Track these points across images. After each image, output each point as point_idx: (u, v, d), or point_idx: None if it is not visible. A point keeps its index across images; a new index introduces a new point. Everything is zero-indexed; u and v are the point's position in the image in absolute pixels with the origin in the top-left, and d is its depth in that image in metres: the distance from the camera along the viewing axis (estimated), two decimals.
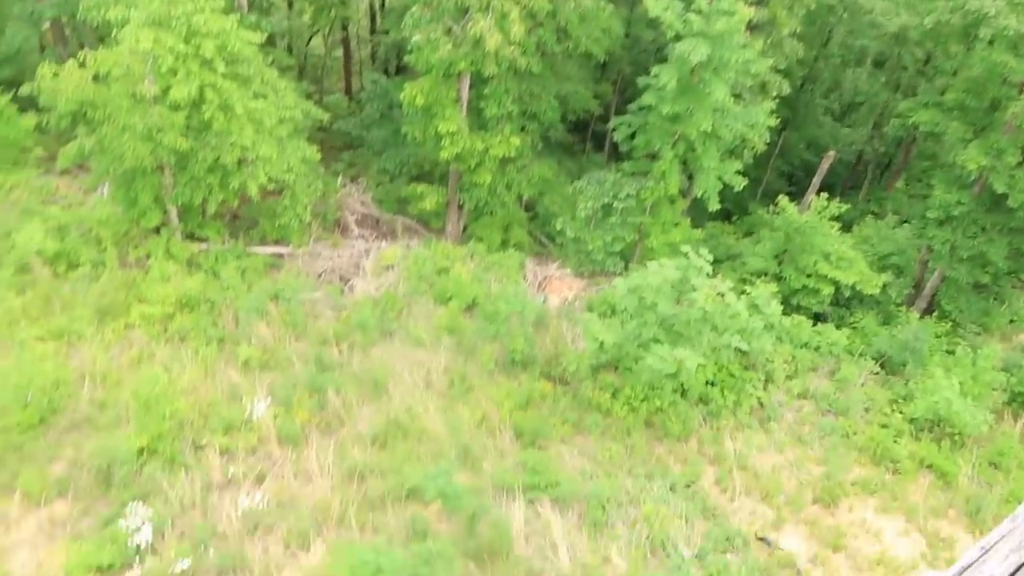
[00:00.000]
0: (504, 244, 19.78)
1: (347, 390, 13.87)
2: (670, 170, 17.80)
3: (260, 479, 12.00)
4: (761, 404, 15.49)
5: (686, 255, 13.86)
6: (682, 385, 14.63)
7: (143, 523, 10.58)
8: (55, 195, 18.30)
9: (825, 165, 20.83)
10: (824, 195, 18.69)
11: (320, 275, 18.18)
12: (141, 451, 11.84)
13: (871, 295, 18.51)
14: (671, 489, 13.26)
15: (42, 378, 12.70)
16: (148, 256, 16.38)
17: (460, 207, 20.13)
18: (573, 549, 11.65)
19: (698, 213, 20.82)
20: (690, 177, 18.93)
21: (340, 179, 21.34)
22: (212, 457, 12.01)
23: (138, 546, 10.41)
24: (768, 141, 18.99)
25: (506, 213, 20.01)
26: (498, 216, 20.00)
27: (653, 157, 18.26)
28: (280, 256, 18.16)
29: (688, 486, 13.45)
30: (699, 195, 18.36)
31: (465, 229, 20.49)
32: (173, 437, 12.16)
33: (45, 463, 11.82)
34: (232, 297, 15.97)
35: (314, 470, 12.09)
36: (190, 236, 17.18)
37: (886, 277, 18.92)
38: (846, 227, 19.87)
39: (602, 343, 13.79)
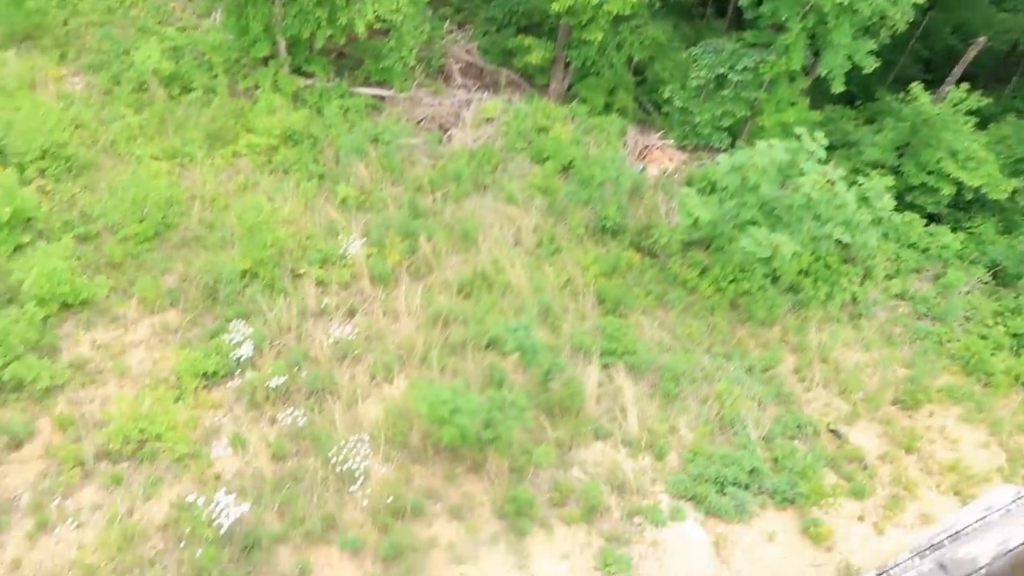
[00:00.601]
0: (608, 108, 19.13)
1: (438, 238, 14.15)
2: (795, 44, 16.54)
3: (351, 312, 12.59)
4: (854, 300, 15.04)
5: (798, 137, 13.12)
6: (774, 271, 14.30)
7: (244, 339, 11.34)
8: (171, 16, 18.53)
9: (971, 53, 18.92)
10: (964, 86, 17.13)
11: (420, 122, 18.14)
12: (244, 273, 12.53)
13: (996, 200, 17.26)
14: (748, 371, 13.28)
15: (157, 194, 13.41)
16: (256, 87, 16.62)
17: (566, 65, 19.41)
18: (643, 415, 11.95)
19: (818, 94, 19.46)
20: (816, 54, 17.56)
21: (447, 25, 20.78)
22: (308, 286, 12.62)
23: (239, 359, 11.22)
24: (910, 21, 17.28)
25: (613, 75, 19.19)
26: (605, 78, 19.22)
27: (779, 28, 16.94)
28: (382, 99, 18.13)
29: (765, 371, 13.43)
30: (823, 74, 17.09)
31: (569, 88, 19.85)
32: (273, 264, 12.78)
33: (159, 274, 12.68)
34: (334, 136, 16.19)
35: (402, 310, 12.58)
36: (297, 70, 17.26)
37: (1017, 183, 17.52)
38: (982, 124, 18.25)
39: (697, 219, 13.47)
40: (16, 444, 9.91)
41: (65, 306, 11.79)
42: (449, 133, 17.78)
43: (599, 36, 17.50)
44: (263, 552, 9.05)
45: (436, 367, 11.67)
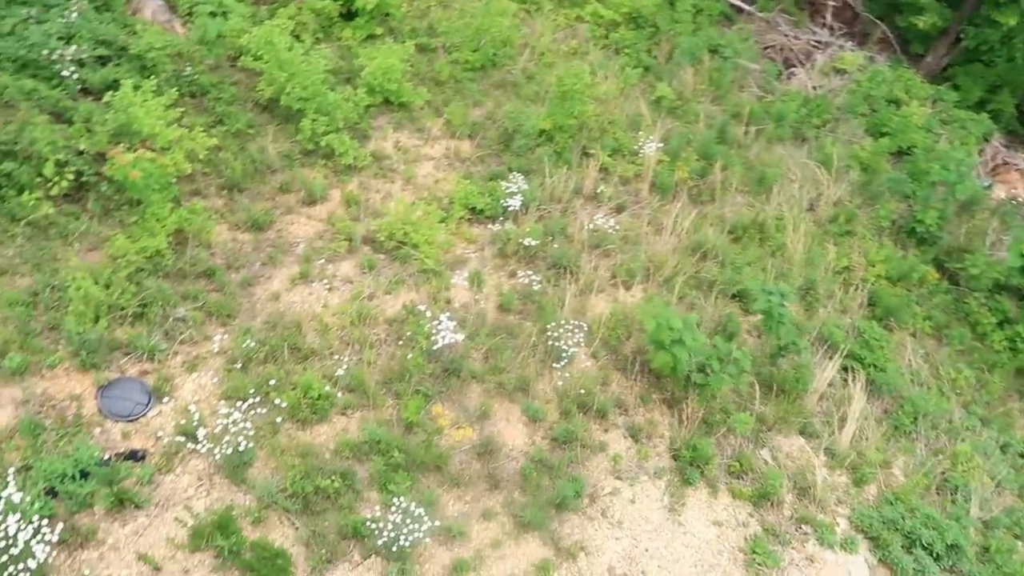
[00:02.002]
0: (981, 105, 16.61)
1: (733, 171, 13.53)
2: None
3: (619, 209, 12.61)
4: None
5: None
6: None
7: (518, 192, 11.83)
8: None
9: None
10: None
11: (766, 48, 17.03)
12: (541, 132, 12.91)
13: None
14: (1001, 448, 11.64)
15: (497, 31, 14.01)
16: None
17: (956, 40, 16.97)
18: (860, 435, 11.02)
19: None
20: None
21: None
22: (591, 168, 12.75)
23: (506, 208, 11.77)
24: None
25: (1007, 71, 16.50)
26: (994, 70, 16.61)
27: None
28: (739, 11, 17.16)
29: (1023, 456, 11.69)
30: None
31: (946, 69, 17.44)
32: (570, 135, 13.01)
33: (470, 105, 13.45)
34: (676, 32, 15.72)
35: (667, 226, 12.37)
36: None
37: None
38: None
39: None
40: (310, 201, 11.34)
41: (386, 102, 12.97)
42: (792, 70, 16.55)
43: (1013, 21, 14.99)
44: (459, 381, 9.77)
45: (676, 293, 11.46)
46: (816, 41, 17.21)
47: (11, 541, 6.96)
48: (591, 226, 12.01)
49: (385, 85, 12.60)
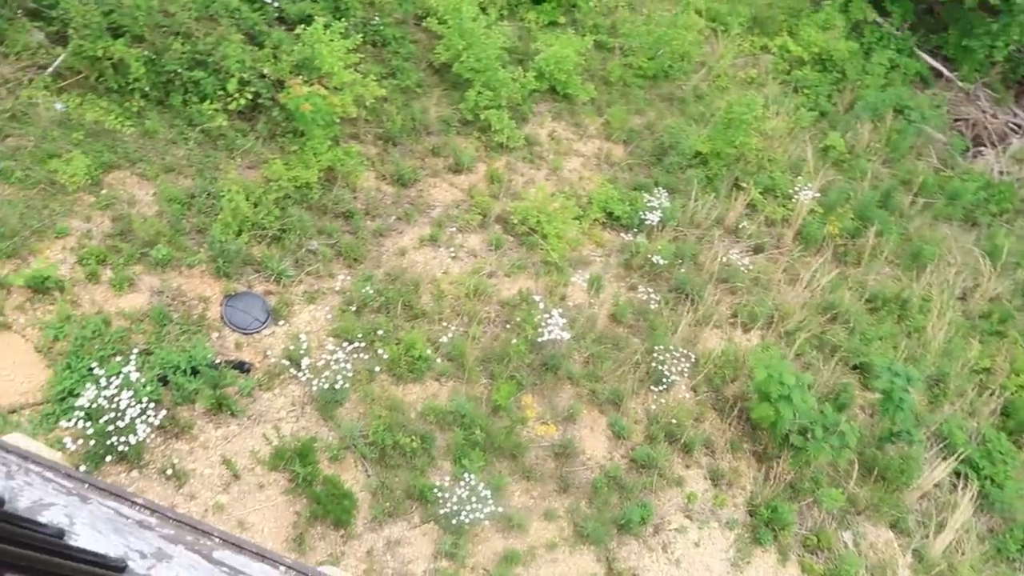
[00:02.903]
0: None
1: (889, 239, 12.77)
2: None
3: (757, 249, 12.20)
4: None
5: None
6: None
7: (658, 208, 11.64)
8: None
9: None
10: None
11: (956, 120, 15.92)
12: (697, 154, 12.63)
13: None
14: None
15: (677, 44, 13.79)
16: None
17: None
18: (958, 544, 10.24)
19: None
20: None
21: None
22: (739, 201, 12.37)
23: (642, 221, 11.61)
24: None
25: None
26: None
27: None
28: (938, 75, 16.11)
29: None
30: None
31: None
32: (725, 163, 12.66)
33: (632, 111, 13.33)
34: (863, 83, 14.97)
35: (801, 278, 11.84)
36: (875, 1, 15.90)
37: None
38: None
39: None
40: (457, 170, 11.58)
41: (552, 91, 13.04)
42: (980, 149, 15.44)
43: None
44: (554, 378, 9.77)
45: (795, 349, 10.99)
46: (1016, 124, 15.95)
47: (120, 414, 7.54)
48: (724, 259, 11.68)
49: (555, 74, 12.66)
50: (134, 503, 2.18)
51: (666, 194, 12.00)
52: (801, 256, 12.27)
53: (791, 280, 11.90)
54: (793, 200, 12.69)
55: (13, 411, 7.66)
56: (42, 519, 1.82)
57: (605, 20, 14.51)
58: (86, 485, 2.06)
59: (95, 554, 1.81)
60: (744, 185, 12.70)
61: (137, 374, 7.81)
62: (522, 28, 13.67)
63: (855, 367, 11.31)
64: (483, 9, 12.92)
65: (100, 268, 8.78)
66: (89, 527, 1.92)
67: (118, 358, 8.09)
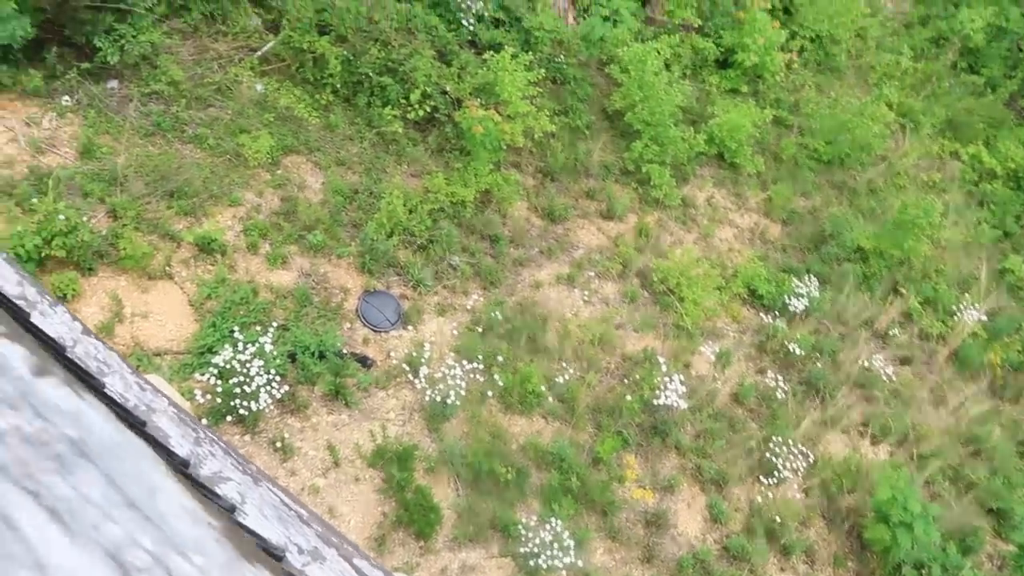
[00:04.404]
0: None
1: None
2: None
3: (904, 361, 11.48)
4: None
5: None
6: None
7: (805, 296, 11.16)
8: None
9: None
10: None
11: None
12: (858, 249, 12.03)
13: None
14: None
15: (860, 133, 13.24)
16: None
17: None
18: None
19: None
20: None
21: None
22: (894, 306, 11.67)
23: (786, 305, 11.17)
24: None
25: None
26: None
27: None
28: None
29: None
30: None
31: None
32: (888, 265, 11.99)
33: (798, 191, 12.90)
34: None
35: (949, 404, 10.98)
36: None
37: None
38: None
39: None
40: (607, 216, 11.60)
41: (719, 156, 12.85)
42: None
43: None
44: (662, 444, 9.50)
45: (926, 476, 10.17)
46: None
47: (248, 379, 7.97)
48: (866, 363, 11.01)
49: (726, 141, 12.48)
50: (294, 500, 2.25)
51: (816, 283, 11.49)
52: (953, 379, 11.39)
53: (936, 401, 11.05)
54: (955, 318, 11.83)
55: (157, 354, 8.27)
56: (218, 491, 1.90)
57: (788, 96, 14.19)
58: (254, 468, 2.15)
59: (260, 536, 1.86)
60: (903, 291, 11.97)
61: (271, 346, 8.24)
62: (702, 90, 13.58)
63: (991, 511, 10.32)
64: (667, 65, 12.93)
65: (260, 241, 9.38)
66: (257, 509, 1.98)
67: (257, 327, 8.58)
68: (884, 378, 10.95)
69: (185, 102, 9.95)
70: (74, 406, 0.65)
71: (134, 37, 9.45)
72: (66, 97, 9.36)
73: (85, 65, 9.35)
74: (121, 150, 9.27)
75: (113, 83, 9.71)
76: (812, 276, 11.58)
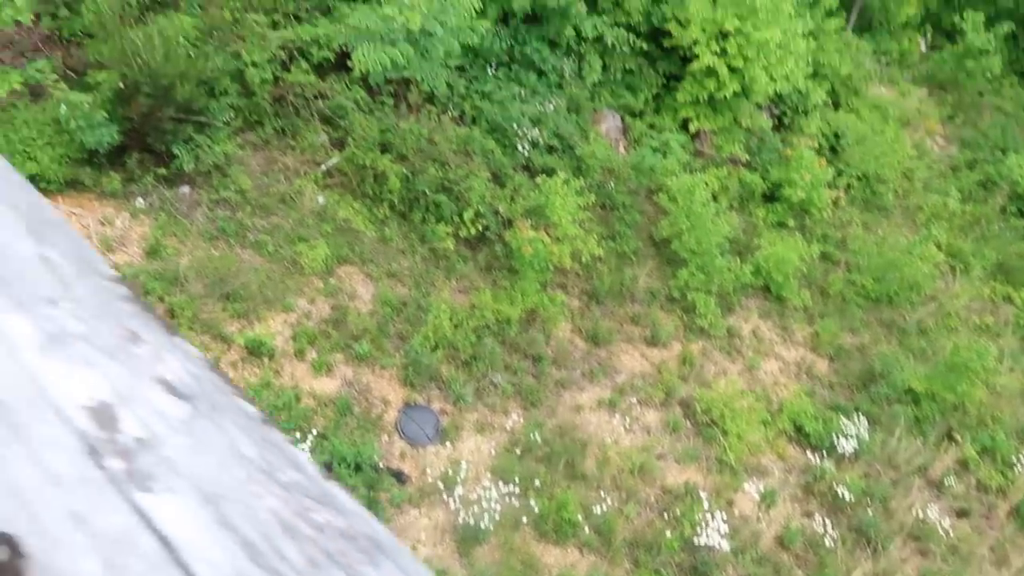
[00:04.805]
0: None
1: None
2: None
3: (961, 513, 10.92)
4: None
5: None
6: None
7: (854, 437, 10.81)
8: None
9: None
10: None
11: None
12: (909, 391, 11.71)
13: None
14: None
15: (909, 272, 13.16)
16: None
17: None
18: None
19: None
20: None
21: None
22: (949, 454, 11.19)
23: (833, 445, 10.82)
24: None
25: None
26: None
27: None
28: None
29: None
30: None
31: None
32: (941, 409, 11.61)
33: (846, 328, 12.73)
34: None
35: (1012, 565, 10.32)
36: None
37: None
38: None
39: None
40: (651, 342, 11.54)
41: (765, 289, 12.82)
42: None
43: None
44: None
45: None
46: None
47: None
48: (920, 513, 10.49)
49: (772, 273, 12.49)
50: None
51: (866, 424, 11.14)
52: (1015, 536, 10.75)
53: (998, 561, 10.40)
54: (1015, 470, 11.29)
55: None
56: None
57: (835, 232, 14.25)
58: None
59: None
60: (958, 438, 11.52)
61: (309, 455, 8.17)
62: (748, 222, 13.73)
63: None
64: (715, 196, 13.16)
65: (308, 347, 9.49)
66: None
67: (297, 434, 8.55)
68: (941, 531, 10.38)
69: (250, 209, 10.36)
70: (358, 507, 0.69)
71: (210, 147, 9.99)
72: (140, 199, 9.83)
73: (161, 171, 9.86)
74: (185, 252, 9.62)
75: (185, 188, 10.20)
76: (861, 416, 11.24)
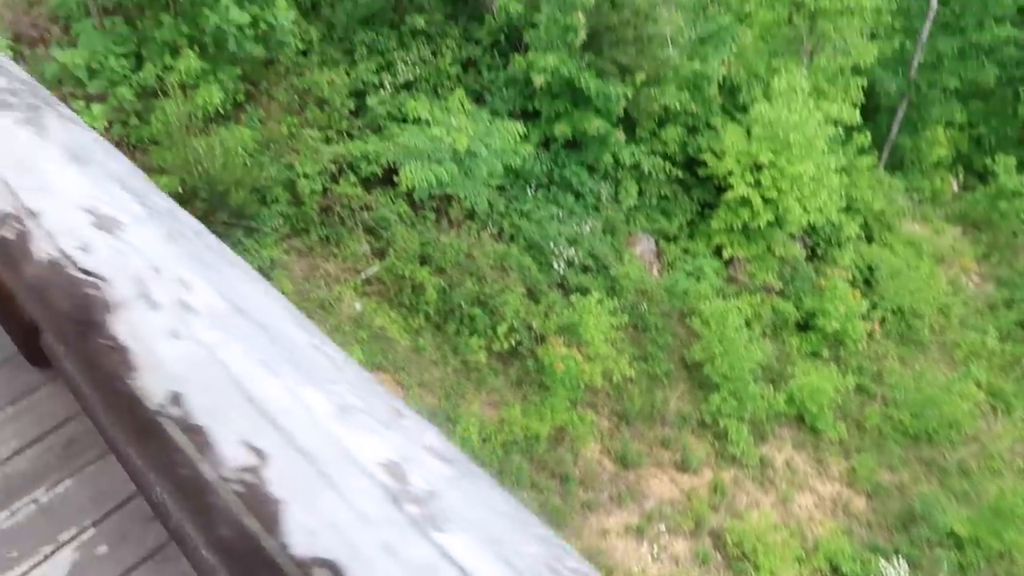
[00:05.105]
0: None
1: None
2: None
3: None
4: None
5: None
6: None
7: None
8: None
9: None
10: None
11: None
12: (951, 534, 11.19)
13: None
14: None
15: (948, 410, 12.84)
16: None
17: None
18: None
19: None
20: None
21: None
22: None
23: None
24: None
25: None
26: None
27: None
28: None
29: None
30: None
31: None
32: (987, 557, 11.05)
33: (884, 465, 12.35)
34: None
35: None
36: None
37: None
38: None
39: None
40: (682, 467, 11.30)
41: (799, 419, 12.57)
42: None
43: None
44: None
45: None
46: None
47: None
48: None
49: (807, 403, 12.29)
50: None
51: (907, 567, 10.60)
52: None
53: None
54: None
55: None
56: None
57: (871, 365, 14.07)
58: None
59: None
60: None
61: None
62: (782, 350, 13.64)
63: None
64: (748, 323, 13.16)
65: None
66: None
67: None
68: None
69: None
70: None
71: (257, 251, 10.35)
72: None
73: None
74: None
75: None
76: (901, 559, 10.71)
